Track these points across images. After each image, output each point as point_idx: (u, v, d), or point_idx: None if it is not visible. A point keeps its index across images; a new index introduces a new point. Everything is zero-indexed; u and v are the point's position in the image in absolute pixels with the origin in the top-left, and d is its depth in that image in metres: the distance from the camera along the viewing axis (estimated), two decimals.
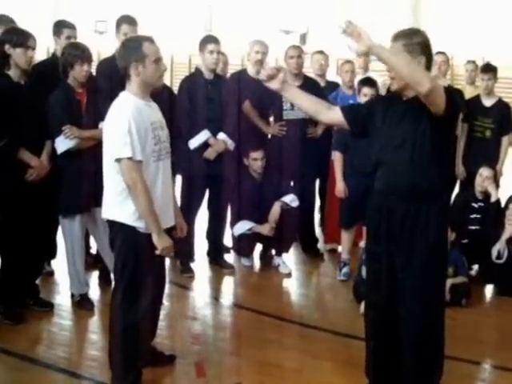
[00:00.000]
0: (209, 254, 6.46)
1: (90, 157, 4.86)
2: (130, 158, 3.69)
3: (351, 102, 6.64)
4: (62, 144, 4.95)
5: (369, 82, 6.06)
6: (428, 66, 3.50)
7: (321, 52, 7.30)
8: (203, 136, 5.93)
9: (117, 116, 3.77)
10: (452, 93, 3.45)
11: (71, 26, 5.68)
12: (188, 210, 5.90)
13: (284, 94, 3.75)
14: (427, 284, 3.53)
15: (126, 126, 3.68)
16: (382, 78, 7.17)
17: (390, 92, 3.72)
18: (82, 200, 5.03)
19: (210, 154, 5.97)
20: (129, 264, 3.84)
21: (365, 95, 5.93)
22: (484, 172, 6.20)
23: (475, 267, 6.25)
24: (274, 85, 3.62)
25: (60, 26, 5.68)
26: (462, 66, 7.77)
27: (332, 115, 3.71)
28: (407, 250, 3.53)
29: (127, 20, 5.68)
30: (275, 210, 6.20)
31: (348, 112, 3.69)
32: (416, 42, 3.44)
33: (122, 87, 3.90)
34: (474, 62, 7.51)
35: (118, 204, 3.82)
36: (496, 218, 6.04)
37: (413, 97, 3.47)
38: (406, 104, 3.52)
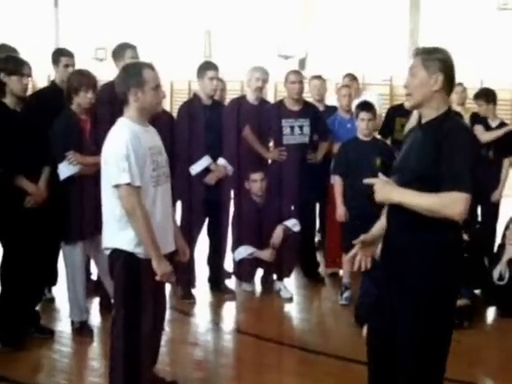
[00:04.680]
0: (210, 279, 6.45)
1: (92, 183, 4.85)
2: (128, 184, 3.69)
3: (349, 126, 6.69)
4: (66, 170, 4.97)
5: (366, 106, 6.08)
6: (448, 86, 3.26)
7: (318, 77, 7.33)
8: (205, 162, 5.95)
9: (115, 142, 3.78)
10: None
11: (69, 54, 5.74)
12: (188, 236, 5.90)
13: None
14: (419, 320, 3.24)
15: (124, 152, 3.69)
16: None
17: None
18: (84, 227, 5.02)
19: (210, 179, 5.98)
20: (129, 290, 3.82)
21: (362, 120, 5.96)
22: None
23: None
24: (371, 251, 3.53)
25: (58, 55, 5.74)
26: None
27: None
28: (402, 277, 3.33)
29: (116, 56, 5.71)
30: (278, 233, 6.20)
31: None
32: (435, 58, 3.23)
33: (122, 112, 3.92)
34: (461, 84, 7.61)
35: (117, 230, 3.81)
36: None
37: (428, 121, 3.28)
38: (420, 131, 3.32)
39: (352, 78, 7.93)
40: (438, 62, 3.22)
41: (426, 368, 3.30)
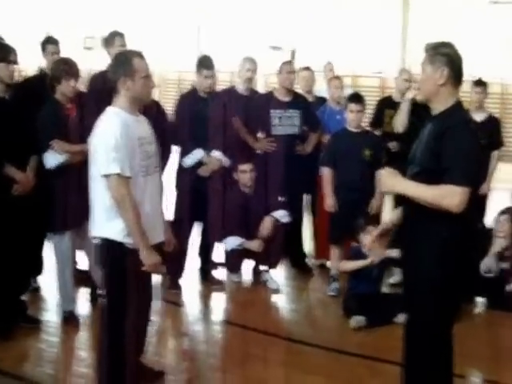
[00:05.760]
0: (200, 269, 6.44)
1: (79, 172, 4.83)
2: (117, 174, 3.67)
3: (338, 117, 6.69)
4: (52, 159, 4.94)
5: (356, 97, 6.09)
6: (455, 79, 3.34)
7: (307, 68, 7.32)
8: (197, 155, 5.94)
9: (104, 131, 3.75)
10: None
11: (54, 42, 5.80)
12: (181, 226, 5.88)
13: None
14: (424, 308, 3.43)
15: (114, 142, 3.66)
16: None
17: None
18: (72, 216, 5.01)
19: (204, 171, 5.98)
20: (117, 281, 3.80)
21: (351, 111, 5.97)
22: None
23: None
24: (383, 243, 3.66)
25: (45, 43, 5.78)
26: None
27: None
28: (410, 264, 3.46)
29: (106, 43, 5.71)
30: (266, 224, 6.19)
31: None
32: (441, 53, 3.32)
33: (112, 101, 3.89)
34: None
35: (106, 220, 3.79)
36: None
37: (436, 114, 3.36)
38: (430, 123, 3.38)
39: (331, 66, 8.04)
40: (442, 56, 3.31)
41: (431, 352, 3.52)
